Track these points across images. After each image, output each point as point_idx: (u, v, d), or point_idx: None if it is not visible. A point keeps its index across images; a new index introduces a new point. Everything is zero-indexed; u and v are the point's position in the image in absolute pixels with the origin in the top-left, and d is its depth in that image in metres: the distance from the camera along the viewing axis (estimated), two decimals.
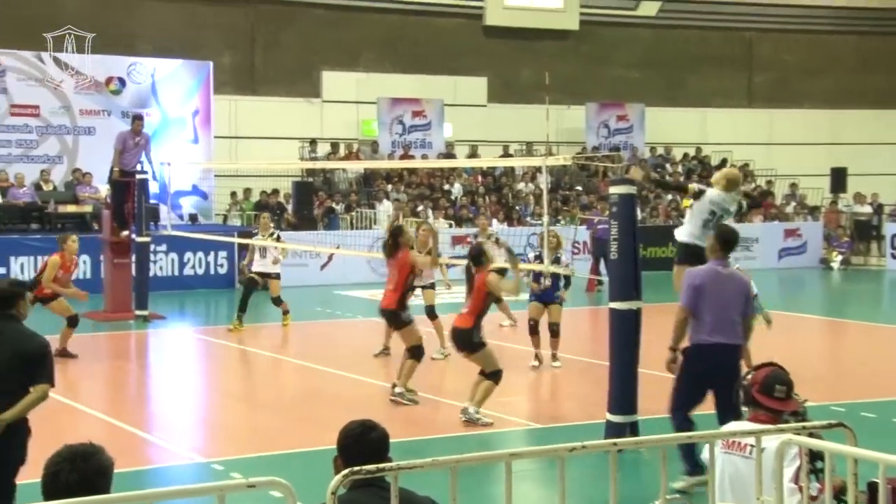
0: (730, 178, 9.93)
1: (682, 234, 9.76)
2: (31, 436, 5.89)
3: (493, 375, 9.70)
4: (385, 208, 24.38)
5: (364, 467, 3.63)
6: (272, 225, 16.95)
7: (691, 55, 31.63)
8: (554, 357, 12.43)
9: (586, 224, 22.75)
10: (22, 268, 19.04)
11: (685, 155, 30.87)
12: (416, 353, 10.74)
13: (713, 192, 9.68)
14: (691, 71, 31.59)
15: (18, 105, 22.62)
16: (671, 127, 30.82)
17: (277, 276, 15.79)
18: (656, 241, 23.55)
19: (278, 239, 16.31)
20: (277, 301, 15.72)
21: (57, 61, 22.94)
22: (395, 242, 10.92)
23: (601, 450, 4.31)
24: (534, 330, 12.42)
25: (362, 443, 4.06)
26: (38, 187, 22.14)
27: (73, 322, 12.92)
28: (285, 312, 15.76)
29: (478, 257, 9.96)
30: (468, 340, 9.71)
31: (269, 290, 15.74)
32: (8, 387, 5.72)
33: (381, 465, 3.73)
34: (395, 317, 10.85)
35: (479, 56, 29.31)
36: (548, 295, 12.37)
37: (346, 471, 3.63)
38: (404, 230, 11.38)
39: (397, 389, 10.65)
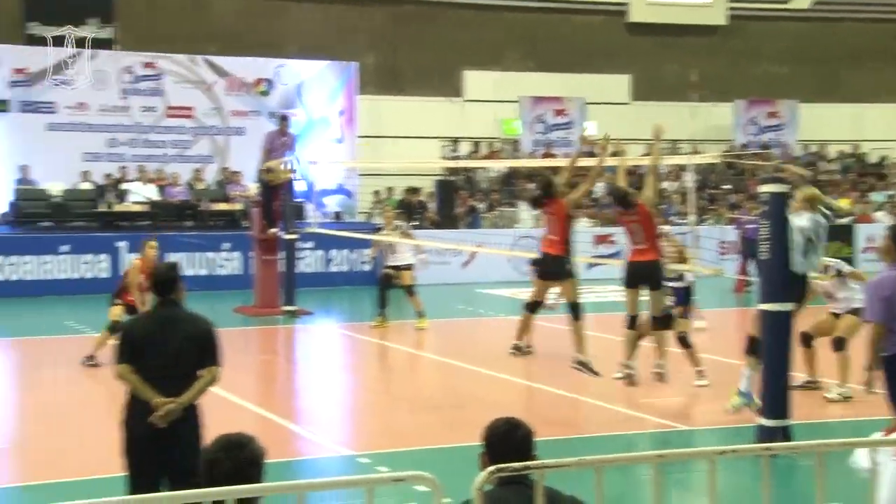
0: (809, 198, 9.51)
1: (797, 265, 8.99)
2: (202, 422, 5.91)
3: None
4: (527, 208, 24.32)
5: (510, 465, 3.61)
6: (396, 219, 16.39)
7: (847, 49, 30.40)
8: (697, 372, 11.19)
9: (735, 223, 22.16)
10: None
11: (840, 153, 29.75)
12: (578, 311, 10.43)
13: (800, 221, 9.10)
14: (847, 65, 30.36)
15: (174, 107, 23.52)
16: (825, 124, 29.70)
17: (409, 268, 15.56)
18: None
19: (403, 233, 15.97)
20: (410, 291, 15.48)
21: (209, 63, 23.77)
22: (547, 192, 10.61)
23: (753, 454, 4.16)
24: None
25: (508, 440, 4.03)
26: (191, 186, 22.97)
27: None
28: (420, 315, 15.45)
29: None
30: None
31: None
32: (183, 370, 5.80)
33: (526, 463, 3.69)
34: (559, 263, 10.40)
35: (622, 53, 28.92)
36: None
37: (492, 467, 3.62)
38: (554, 183, 10.77)
39: (582, 359, 10.50)
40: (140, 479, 5.74)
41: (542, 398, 10.96)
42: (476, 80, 28.00)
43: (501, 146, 27.47)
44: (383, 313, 15.54)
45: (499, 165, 25.43)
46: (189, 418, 5.82)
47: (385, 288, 15.58)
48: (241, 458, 3.75)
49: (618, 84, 28.92)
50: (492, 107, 27.98)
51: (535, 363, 11.86)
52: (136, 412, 5.80)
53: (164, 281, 6.05)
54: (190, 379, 5.80)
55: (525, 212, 24.10)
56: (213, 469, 3.73)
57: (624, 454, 3.89)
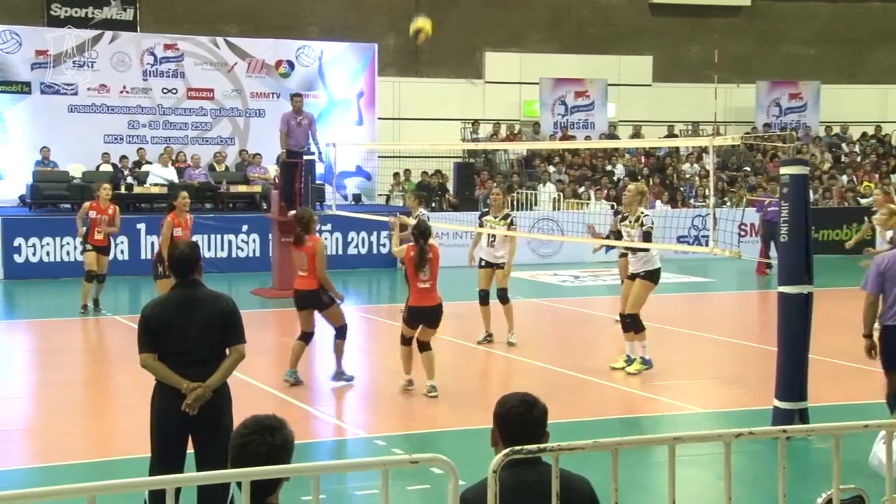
0: None
1: None
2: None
3: None
4: (548, 190, 24.23)
5: (525, 447, 3.58)
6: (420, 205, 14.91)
7: (872, 29, 30.09)
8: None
9: (755, 206, 22.02)
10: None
11: (863, 134, 29.50)
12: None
13: None
14: (872, 46, 30.07)
15: (195, 88, 23.54)
16: (848, 105, 29.45)
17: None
18: (829, 223, 22.84)
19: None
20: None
21: (230, 45, 23.78)
22: None
23: (769, 436, 4.14)
24: None
25: (522, 419, 3.96)
26: (211, 168, 23.00)
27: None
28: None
29: None
30: None
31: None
32: (208, 352, 5.70)
33: (542, 445, 3.67)
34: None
35: (645, 34, 28.75)
36: None
37: (507, 450, 3.59)
38: None
39: None
40: (166, 466, 5.51)
41: (557, 380, 10.95)
42: (497, 62, 27.90)
43: (521, 128, 27.39)
44: None
45: (518, 147, 25.37)
46: (219, 401, 5.67)
47: None
48: (272, 443, 3.63)
49: (640, 65, 28.74)
50: (512, 88, 27.89)
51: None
52: (164, 399, 5.66)
53: (185, 261, 5.80)
54: (216, 360, 5.68)
55: (545, 194, 24.01)
56: (245, 450, 3.62)
57: (639, 437, 3.87)
